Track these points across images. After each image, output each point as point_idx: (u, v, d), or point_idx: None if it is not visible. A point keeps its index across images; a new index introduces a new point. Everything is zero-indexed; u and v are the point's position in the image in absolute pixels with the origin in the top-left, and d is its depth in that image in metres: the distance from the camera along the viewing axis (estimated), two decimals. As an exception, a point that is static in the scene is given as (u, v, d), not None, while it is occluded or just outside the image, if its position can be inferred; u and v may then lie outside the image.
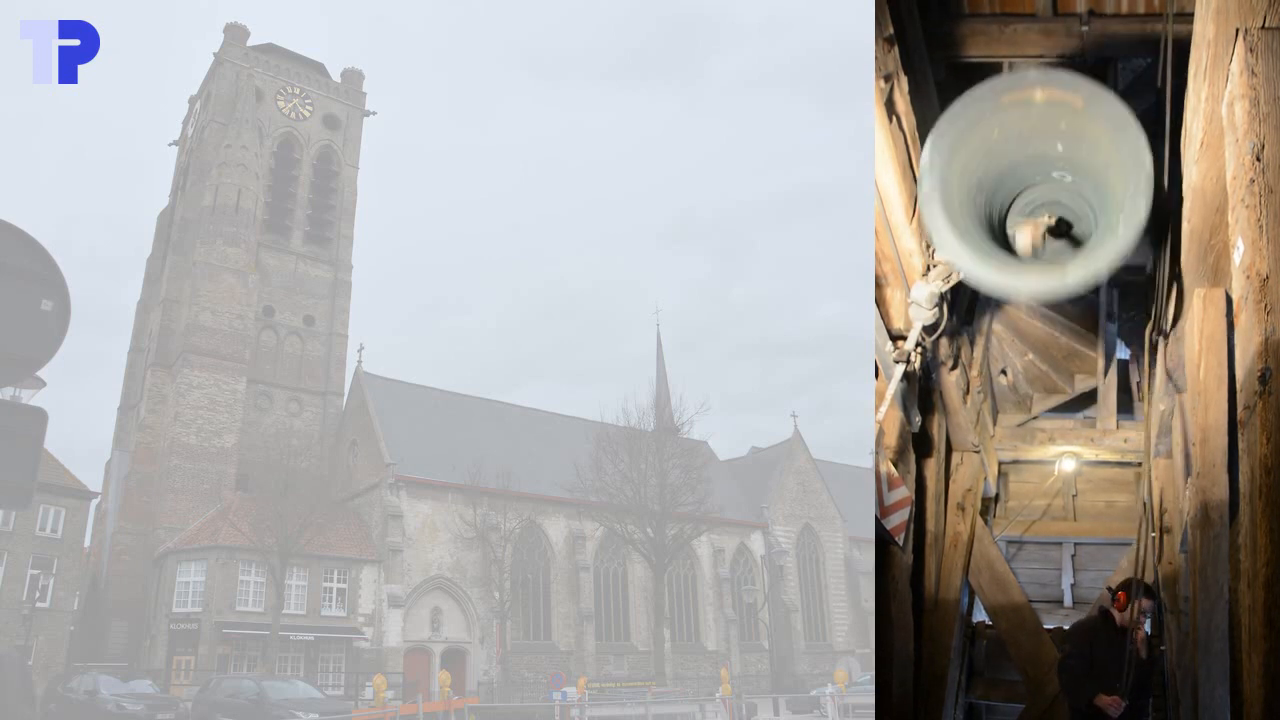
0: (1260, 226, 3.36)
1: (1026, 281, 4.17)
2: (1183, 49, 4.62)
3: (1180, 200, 4.89)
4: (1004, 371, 7.78)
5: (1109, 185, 4.02)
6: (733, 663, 42.11)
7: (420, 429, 41.85)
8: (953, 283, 4.97)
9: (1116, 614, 6.00)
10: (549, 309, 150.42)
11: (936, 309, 5.15)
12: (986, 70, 6.43)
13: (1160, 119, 5.13)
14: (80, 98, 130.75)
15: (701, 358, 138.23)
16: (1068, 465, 8.26)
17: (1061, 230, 4.26)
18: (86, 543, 36.72)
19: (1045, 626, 8.10)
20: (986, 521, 8.25)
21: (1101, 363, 7.58)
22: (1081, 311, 7.40)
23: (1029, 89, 4.06)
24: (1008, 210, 4.55)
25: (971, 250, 4.13)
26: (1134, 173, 3.79)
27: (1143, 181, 3.76)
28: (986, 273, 4.18)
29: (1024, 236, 4.07)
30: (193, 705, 24.41)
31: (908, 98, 4.94)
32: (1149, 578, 6.97)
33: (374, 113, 52.48)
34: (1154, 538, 6.85)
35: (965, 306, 7.05)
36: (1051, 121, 4.12)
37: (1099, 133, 3.99)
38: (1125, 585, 6.08)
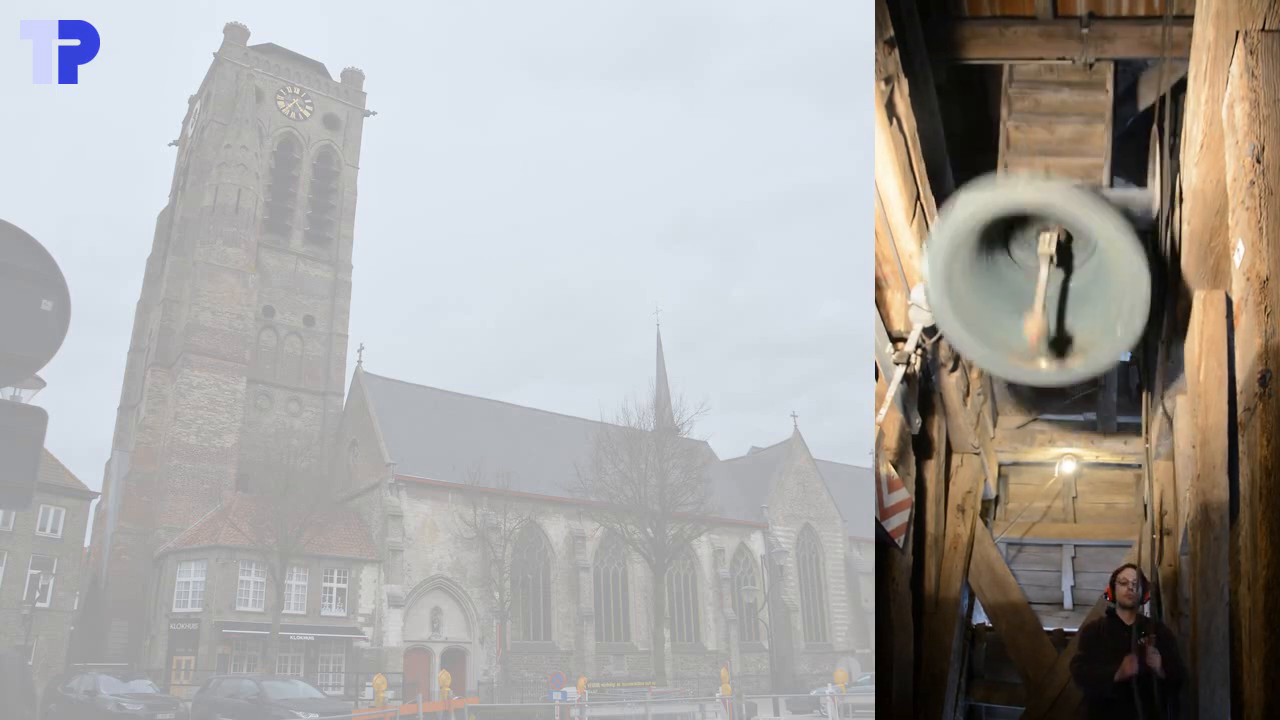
0: (1260, 229, 3.36)
1: (1038, 376, 4.55)
2: (1183, 51, 4.63)
3: (1180, 202, 4.90)
4: (1004, 373, 7.77)
5: (1106, 267, 4.21)
6: (733, 663, 42.10)
7: (420, 429, 41.86)
8: (953, 285, 4.96)
9: (1121, 614, 5.93)
10: (549, 309, 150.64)
11: (937, 311, 5.14)
12: (987, 72, 6.44)
13: (1160, 121, 5.13)
14: (80, 98, 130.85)
15: (701, 358, 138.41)
16: (1068, 467, 8.26)
17: (1064, 245, 4.38)
18: (86, 543, 36.71)
19: (1045, 628, 8.09)
20: (986, 523, 8.25)
21: (1102, 364, 7.56)
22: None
23: (1017, 199, 4.26)
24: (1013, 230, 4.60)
25: (991, 351, 4.48)
26: (1131, 289, 3.99)
27: (1140, 302, 3.97)
28: (1005, 370, 4.66)
29: (1029, 332, 4.21)
30: (193, 705, 24.42)
31: (908, 100, 4.94)
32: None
33: (374, 113, 52.53)
34: (1154, 540, 6.85)
35: (965, 308, 7.04)
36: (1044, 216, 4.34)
37: (1096, 232, 4.19)
38: (1111, 581, 6.04)
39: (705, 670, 41.87)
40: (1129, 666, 5.40)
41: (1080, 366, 4.27)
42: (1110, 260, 4.10)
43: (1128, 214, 4.82)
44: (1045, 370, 4.36)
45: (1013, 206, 4.18)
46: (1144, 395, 6.71)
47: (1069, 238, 4.35)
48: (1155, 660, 5.31)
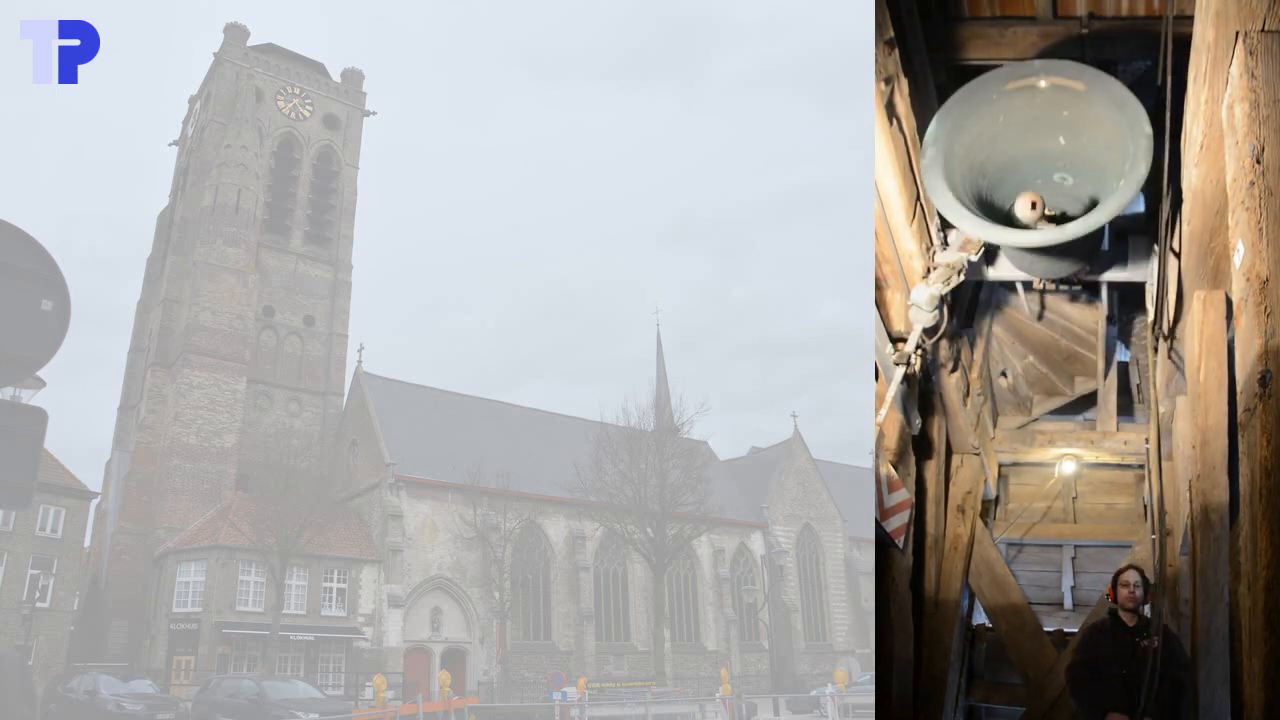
0: (1260, 229, 3.36)
1: (1023, 235, 4.36)
2: (1183, 51, 4.62)
3: (1181, 202, 4.89)
4: (1004, 374, 7.78)
5: (1110, 166, 4.15)
6: (733, 663, 42.09)
7: (420, 429, 41.85)
8: (953, 285, 4.98)
9: (1123, 614, 5.85)
10: (549, 309, 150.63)
11: (936, 311, 5.15)
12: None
13: (1160, 121, 5.13)
14: (80, 98, 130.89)
15: (701, 358, 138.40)
16: (1068, 468, 8.25)
17: (1058, 219, 4.37)
18: (86, 543, 36.70)
19: (1045, 629, 8.09)
20: (986, 524, 8.25)
21: (1101, 365, 7.58)
22: (1081, 313, 7.40)
23: (1033, 76, 4.19)
24: (1009, 209, 4.59)
25: (970, 211, 4.28)
26: (1134, 141, 3.93)
27: (1142, 147, 3.90)
28: (984, 229, 4.40)
29: (1023, 202, 4.14)
30: (193, 705, 24.41)
31: (908, 100, 4.93)
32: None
33: (374, 113, 52.52)
34: (1155, 540, 6.84)
35: (965, 309, 7.05)
36: (1055, 109, 4.24)
37: (1101, 115, 4.12)
38: (1112, 582, 5.95)
39: (705, 670, 41.86)
40: None
41: (1076, 227, 4.14)
42: (1112, 130, 4.02)
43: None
44: (1035, 235, 4.25)
45: (1024, 73, 4.11)
46: (1144, 395, 6.71)
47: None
48: None
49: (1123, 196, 4.05)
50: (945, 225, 5.42)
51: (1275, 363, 3.23)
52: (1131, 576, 5.79)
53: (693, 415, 45.72)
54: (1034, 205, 4.27)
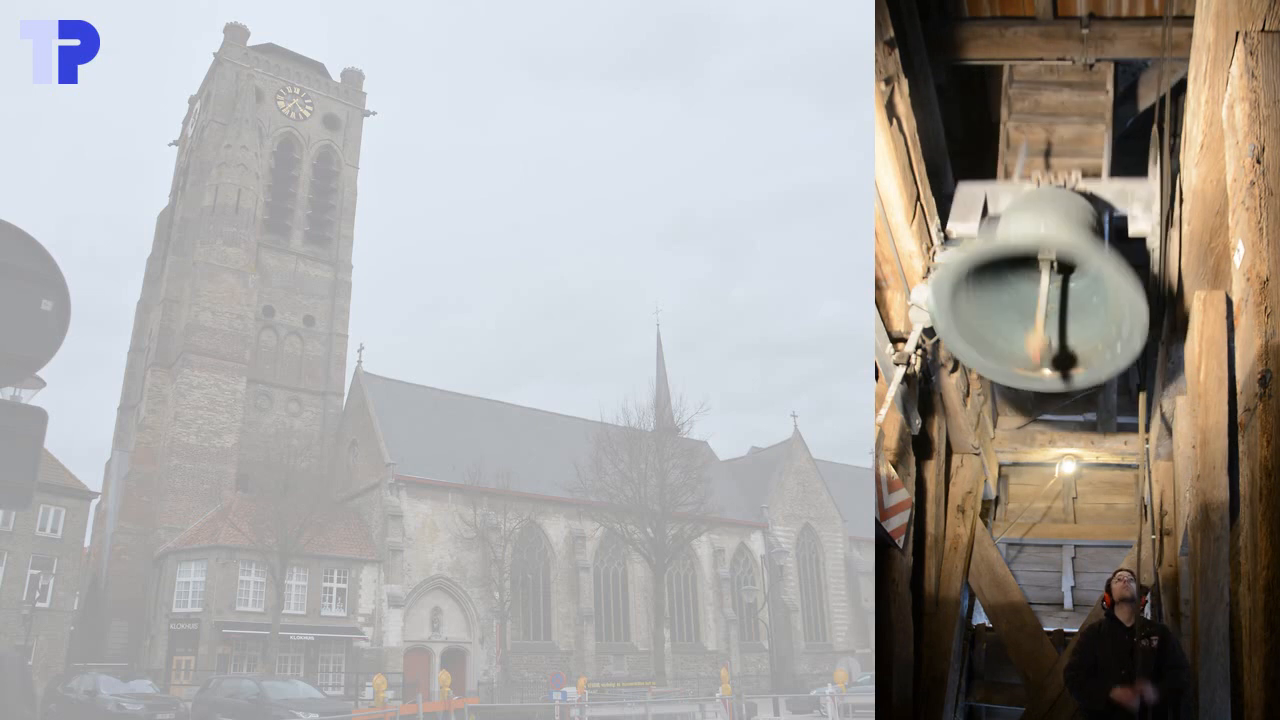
0: (1260, 229, 3.36)
1: (1042, 384, 4.72)
2: (1183, 51, 4.63)
3: (1181, 203, 4.89)
4: (1004, 373, 7.77)
5: (1105, 288, 4.37)
6: (733, 663, 42.09)
7: (420, 429, 41.85)
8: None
9: (1120, 612, 5.86)
10: (549, 309, 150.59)
11: (937, 311, 5.14)
12: (987, 72, 6.44)
13: (1160, 121, 5.13)
14: (80, 98, 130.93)
15: (701, 358, 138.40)
16: (1068, 468, 8.26)
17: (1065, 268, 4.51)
18: (86, 543, 36.70)
19: (1045, 629, 8.09)
20: (987, 524, 8.25)
21: (1102, 365, 7.56)
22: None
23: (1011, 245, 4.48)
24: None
25: (995, 363, 4.64)
26: (1130, 316, 4.15)
27: (1139, 328, 4.10)
28: (1010, 380, 4.80)
29: (1031, 348, 4.28)
30: (193, 705, 24.40)
31: (908, 100, 4.93)
32: (1148, 580, 6.95)
33: (374, 113, 52.51)
34: (1154, 540, 6.84)
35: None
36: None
37: (1092, 267, 4.36)
38: (1107, 585, 5.98)
39: (705, 670, 41.86)
40: (1126, 697, 5.35)
41: (1081, 377, 4.37)
42: (1109, 286, 4.18)
43: (1124, 232, 4.94)
44: (1048, 379, 4.44)
45: (1008, 252, 4.34)
46: (1144, 395, 6.71)
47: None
48: (1150, 693, 5.29)
49: (1121, 363, 4.39)
50: (945, 225, 5.43)
51: (1275, 363, 3.23)
52: (1124, 574, 5.89)
53: (693, 415, 45.82)
54: (1038, 357, 4.47)
